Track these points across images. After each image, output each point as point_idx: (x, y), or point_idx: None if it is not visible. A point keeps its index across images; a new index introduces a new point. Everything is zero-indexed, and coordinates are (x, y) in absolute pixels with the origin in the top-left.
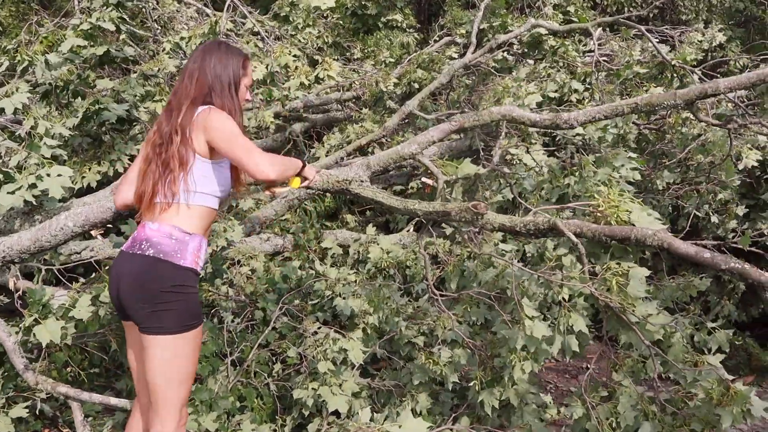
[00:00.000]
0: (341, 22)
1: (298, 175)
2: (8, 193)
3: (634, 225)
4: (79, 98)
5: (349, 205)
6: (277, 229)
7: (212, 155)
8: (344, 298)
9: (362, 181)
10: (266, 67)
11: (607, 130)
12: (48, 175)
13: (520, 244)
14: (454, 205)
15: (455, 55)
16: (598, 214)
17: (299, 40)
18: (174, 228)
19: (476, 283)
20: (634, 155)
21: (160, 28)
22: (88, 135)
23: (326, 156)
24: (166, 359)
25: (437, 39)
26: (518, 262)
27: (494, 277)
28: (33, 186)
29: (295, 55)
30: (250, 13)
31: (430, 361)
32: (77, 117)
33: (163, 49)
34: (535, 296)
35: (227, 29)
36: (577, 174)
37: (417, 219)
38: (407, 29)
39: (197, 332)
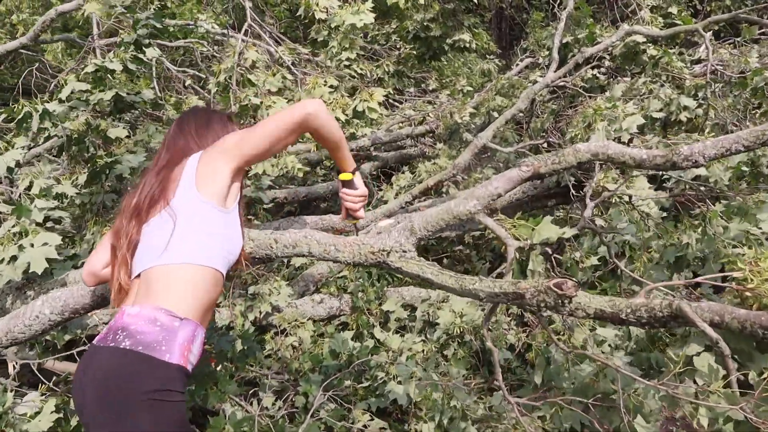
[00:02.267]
0: (405, 47)
1: (350, 171)
2: None
3: None
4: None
5: (424, 252)
6: (333, 288)
7: (224, 200)
8: (400, 382)
9: (404, 251)
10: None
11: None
12: (32, 245)
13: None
14: (529, 284)
15: (540, 79)
16: (746, 292)
17: (349, 67)
18: (159, 310)
19: (567, 380)
20: None
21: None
22: (114, 191)
23: (395, 198)
24: None
25: (518, 63)
26: (625, 356)
27: (591, 377)
28: (14, 259)
29: (332, 86)
30: (279, 41)
31: None
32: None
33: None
34: (654, 414)
35: (253, 60)
36: (699, 229)
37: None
38: (487, 56)
39: None
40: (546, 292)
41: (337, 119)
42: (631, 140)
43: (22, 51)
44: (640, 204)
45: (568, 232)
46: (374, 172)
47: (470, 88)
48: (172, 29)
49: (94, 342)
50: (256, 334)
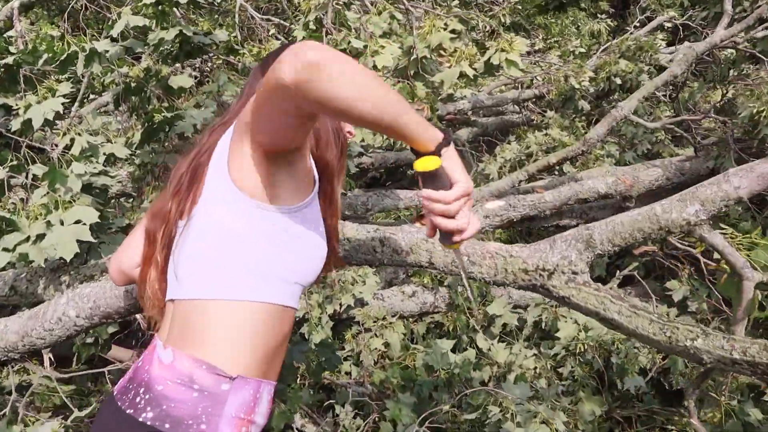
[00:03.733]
0: None
1: (428, 153)
2: (3, 249)
3: None
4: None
5: (526, 237)
6: (427, 278)
7: (276, 195)
8: (519, 424)
9: (574, 273)
10: (410, 51)
11: None
12: (61, 222)
13: None
14: None
15: (663, 43)
16: None
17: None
18: (198, 365)
19: None
20: None
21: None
22: (177, 151)
23: (498, 175)
24: None
25: (637, 25)
26: None
27: None
28: (41, 237)
29: (453, 31)
30: None
31: None
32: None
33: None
34: None
35: None
36: None
37: (632, 267)
38: (598, 15)
39: None
40: None
41: (463, 75)
42: None
43: None
44: None
45: None
46: (472, 139)
47: (583, 50)
48: None
49: (114, 391)
50: (337, 343)
